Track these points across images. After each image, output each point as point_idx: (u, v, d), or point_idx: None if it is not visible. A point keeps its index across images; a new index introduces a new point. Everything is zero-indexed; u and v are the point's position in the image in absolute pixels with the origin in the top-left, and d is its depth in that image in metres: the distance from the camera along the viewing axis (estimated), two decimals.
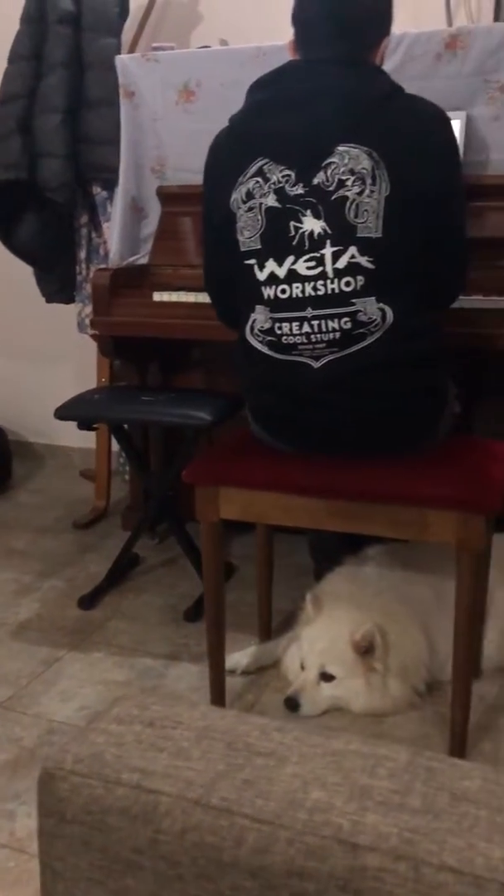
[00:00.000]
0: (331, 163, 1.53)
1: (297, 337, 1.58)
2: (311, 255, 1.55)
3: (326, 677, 1.83)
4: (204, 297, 2.18)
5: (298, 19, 1.62)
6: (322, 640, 1.85)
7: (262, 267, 1.60)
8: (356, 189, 1.51)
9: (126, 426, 2.41)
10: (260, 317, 1.62)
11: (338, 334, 1.56)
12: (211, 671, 1.85)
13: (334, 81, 1.55)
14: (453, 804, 0.63)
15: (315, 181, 1.54)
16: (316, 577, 2.15)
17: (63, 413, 2.25)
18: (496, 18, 2.46)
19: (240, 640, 2.10)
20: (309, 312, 1.57)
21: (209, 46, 2.61)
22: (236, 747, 0.73)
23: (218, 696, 1.85)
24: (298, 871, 0.62)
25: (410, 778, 0.67)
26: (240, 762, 0.72)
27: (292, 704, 1.81)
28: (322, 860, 0.62)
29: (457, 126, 2.15)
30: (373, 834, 0.62)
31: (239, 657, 2.02)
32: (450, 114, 1.65)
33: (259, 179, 1.58)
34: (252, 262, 1.61)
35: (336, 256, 1.53)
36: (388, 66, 2.17)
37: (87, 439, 2.95)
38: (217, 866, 0.65)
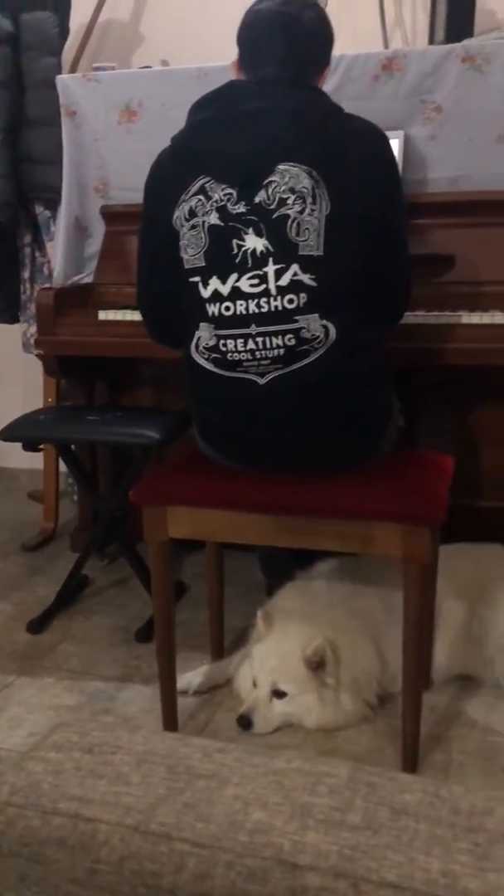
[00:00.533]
0: (272, 181, 1.54)
1: (242, 354, 1.59)
2: (255, 272, 1.56)
3: (279, 694, 1.82)
4: None
5: (245, 40, 1.64)
6: (273, 657, 1.84)
7: (205, 284, 1.60)
8: (297, 207, 1.53)
9: (73, 446, 2.39)
10: (205, 334, 1.63)
11: (282, 351, 1.57)
12: (162, 692, 1.83)
13: (276, 102, 1.57)
14: (393, 818, 0.63)
15: (256, 200, 1.55)
16: (268, 594, 2.15)
17: (8, 434, 2.22)
18: (431, 41, 2.51)
19: (192, 660, 2.09)
20: (253, 329, 1.57)
21: (150, 67, 2.62)
22: (177, 770, 0.72)
23: (170, 718, 1.83)
24: (239, 895, 0.61)
25: (351, 794, 0.66)
26: (180, 785, 0.71)
27: (245, 723, 1.80)
28: (263, 882, 0.61)
29: (395, 145, 2.19)
30: (313, 853, 0.61)
31: (191, 677, 2.00)
32: (388, 133, 1.68)
33: (201, 197, 1.59)
34: (196, 279, 1.61)
35: (279, 274, 1.55)
36: (327, 87, 2.20)
37: (34, 460, 2.92)
38: (157, 894, 0.63)
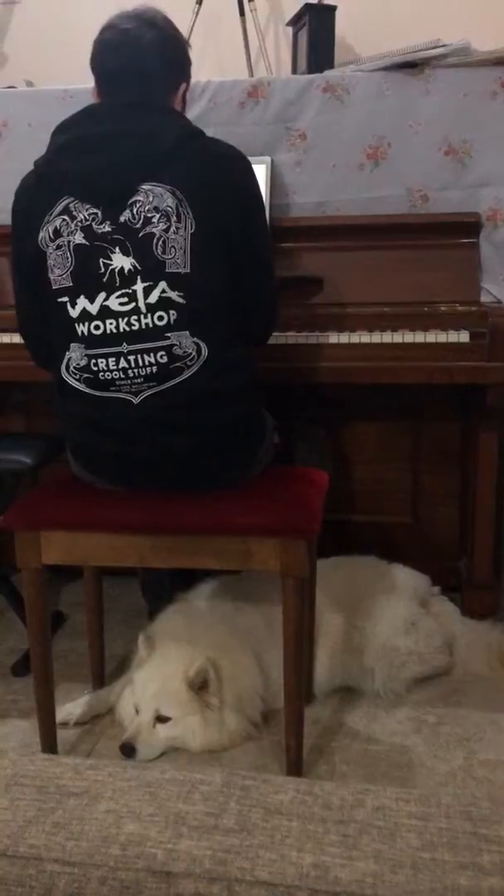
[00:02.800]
0: (136, 201, 1.55)
1: (115, 372, 1.58)
2: (123, 290, 1.55)
3: (162, 719, 1.80)
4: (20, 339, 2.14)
5: (97, 70, 1.65)
6: (155, 682, 1.82)
7: (73, 304, 1.59)
8: (162, 226, 1.54)
9: None
10: (75, 354, 1.60)
11: (155, 368, 1.57)
12: (41, 725, 1.77)
13: (134, 124, 1.58)
14: (266, 818, 0.63)
15: (122, 219, 1.55)
16: (150, 618, 2.12)
17: None
18: (294, 71, 2.60)
19: (73, 691, 2.03)
20: (125, 347, 1.57)
21: (15, 87, 2.58)
22: (48, 791, 0.70)
23: (49, 751, 1.77)
24: None
25: (225, 799, 0.66)
26: (51, 805, 0.68)
27: (127, 750, 1.76)
28: (136, 894, 0.60)
29: (262, 171, 2.25)
30: (186, 860, 0.60)
31: (71, 708, 1.95)
32: (254, 159, 1.72)
33: (66, 217, 1.57)
34: (64, 299, 1.59)
35: (147, 292, 1.55)
36: (194, 112, 2.25)
37: None
38: None
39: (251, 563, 1.62)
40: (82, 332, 1.58)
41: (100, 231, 1.55)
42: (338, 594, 2.06)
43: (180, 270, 1.54)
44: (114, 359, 1.57)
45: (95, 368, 1.59)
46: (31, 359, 1.81)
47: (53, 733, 1.78)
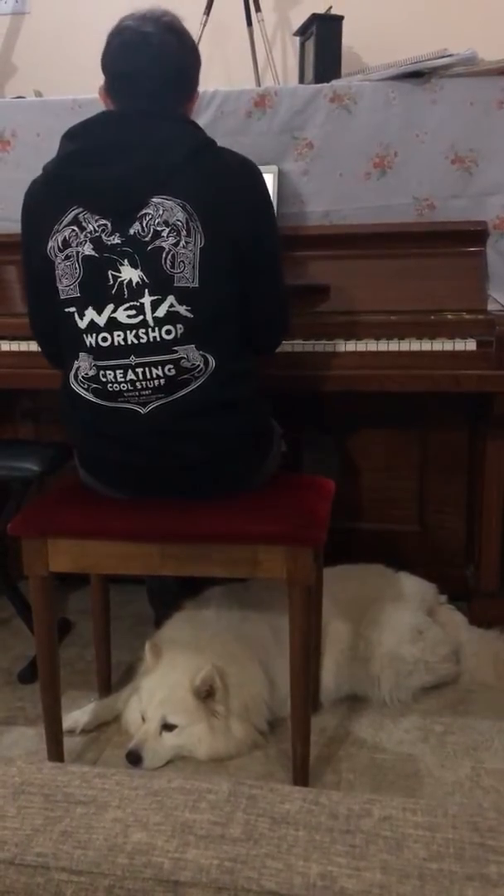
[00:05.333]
0: (146, 214, 1.54)
1: (123, 384, 1.58)
2: (131, 303, 1.55)
3: (168, 727, 1.80)
4: (28, 346, 2.16)
5: (114, 71, 1.62)
6: (162, 689, 1.82)
7: (81, 315, 1.59)
8: (171, 240, 1.53)
9: None
10: (84, 364, 1.61)
11: (162, 381, 1.57)
12: (47, 733, 1.77)
13: (148, 134, 1.56)
14: (273, 828, 0.63)
15: (131, 231, 1.55)
16: (156, 625, 2.12)
17: None
18: (301, 81, 2.61)
19: (80, 698, 2.04)
20: (133, 360, 1.57)
21: (24, 97, 2.60)
22: (55, 799, 0.70)
23: (56, 759, 1.77)
24: None
25: (232, 808, 0.66)
26: (58, 814, 0.68)
27: (134, 759, 1.76)
28: None
29: (269, 180, 2.25)
30: (193, 869, 0.60)
31: (78, 715, 1.95)
32: (262, 168, 1.72)
33: (75, 228, 1.57)
34: (72, 309, 1.60)
35: (155, 305, 1.55)
36: (201, 121, 2.26)
37: None
38: None
39: (258, 572, 1.62)
40: (90, 343, 1.59)
41: (109, 243, 1.55)
42: (345, 602, 2.06)
43: (189, 285, 1.54)
44: (121, 371, 1.58)
45: (104, 379, 1.59)
46: (44, 357, 1.82)
47: (60, 741, 1.78)
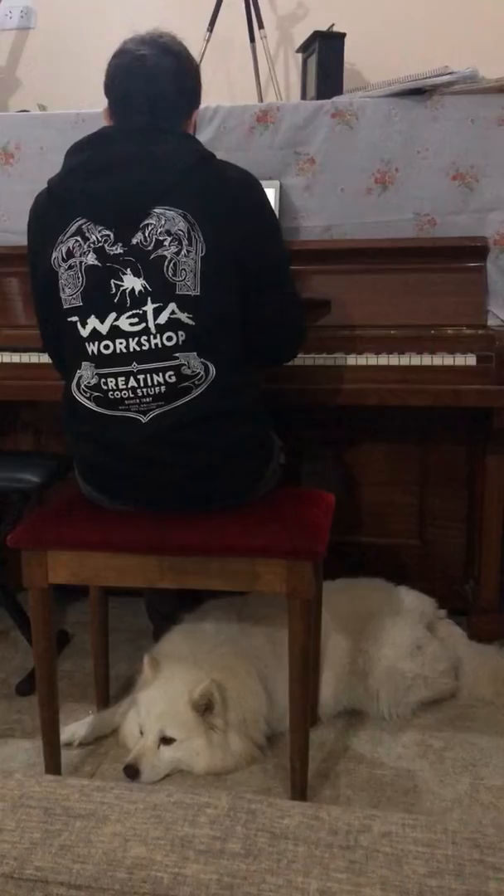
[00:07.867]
0: (148, 224, 1.57)
1: (124, 392, 1.59)
2: (134, 311, 1.57)
3: (166, 741, 1.79)
4: (29, 358, 2.17)
5: (112, 93, 1.67)
6: (160, 703, 1.81)
7: (84, 324, 1.61)
8: (173, 249, 1.55)
9: None
10: (86, 373, 1.62)
11: (163, 388, 1.58)
12: (45, 746, 1.76)
13: (148, 148, 1.60)
14: (272, 843, 0.63)
15: (134, 241, 1.57)
16: (155, 638, 2.12)
17: None
18: (303, 97, 2.63)
19: (78, 711, 2.03)
20: (134, 367, 1.58)
21: (27, 111, 2.62)
22: (54, 812, 0.70)
23: (54, 771, 1.76)
24: None
25: (231, 822, 0.66)
26: (57, 827, 0.68)
27: (131, 772, 1.75)
28: None
29: (271, 194, 2.27)
30: (193, 884, 0.60)
31: (75, 728, 1.94)
32: (264, 183, 1.74)
33: (78, 238, 1.60)
34: (74, 318, 1.61)
35: (157, 312, 1.57)
36: (204, 137, 2.28)
37: None
38: None
39: (257, 585, 1.61)
40: (92, 351, 1.60)
41: (112, 253, 1.57)
42: (344, 616, 2.05)
43: (190, 293, 1.56)
44: (123, 378, 1.59)
45: (105, 387, 1.60)
46: (56, 370, 1.82)
47: (58, 754, 1.77)
